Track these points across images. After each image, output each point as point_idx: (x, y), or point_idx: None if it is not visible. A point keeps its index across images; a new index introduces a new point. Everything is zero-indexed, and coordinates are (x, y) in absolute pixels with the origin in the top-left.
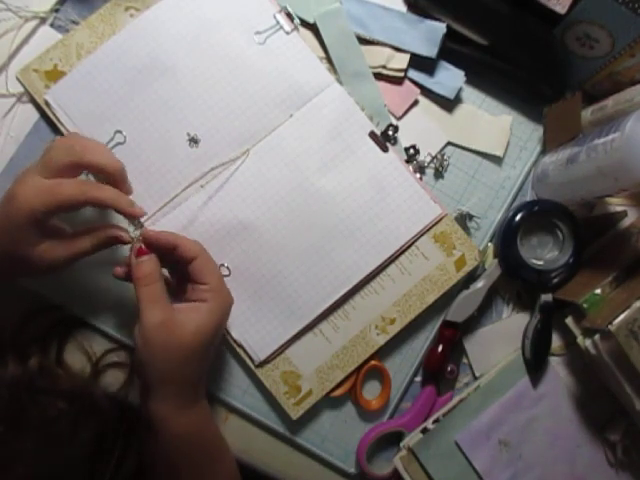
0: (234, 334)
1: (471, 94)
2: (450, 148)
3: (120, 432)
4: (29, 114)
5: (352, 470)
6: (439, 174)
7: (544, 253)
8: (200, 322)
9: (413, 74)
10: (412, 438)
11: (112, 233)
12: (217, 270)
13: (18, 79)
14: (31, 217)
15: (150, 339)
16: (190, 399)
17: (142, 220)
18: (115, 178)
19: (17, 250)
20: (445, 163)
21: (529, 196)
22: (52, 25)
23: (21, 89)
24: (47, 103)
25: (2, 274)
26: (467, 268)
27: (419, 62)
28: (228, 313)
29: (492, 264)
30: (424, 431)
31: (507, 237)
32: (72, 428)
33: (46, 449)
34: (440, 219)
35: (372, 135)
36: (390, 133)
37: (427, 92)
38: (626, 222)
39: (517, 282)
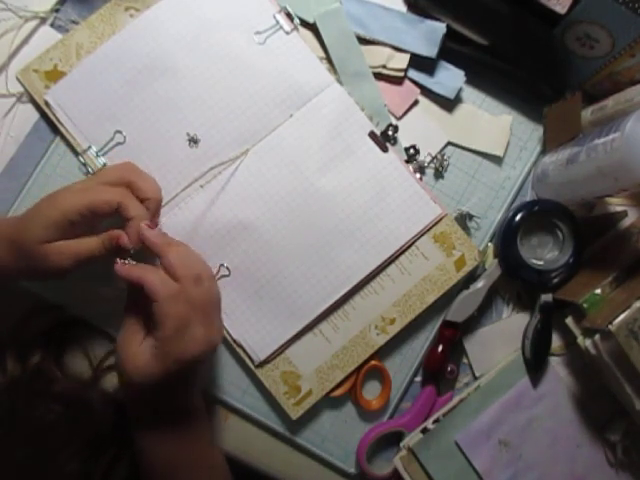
0: (234, 334)
1: (471, 94)
2: (450, 148)
3: (115, 436)
4: (29, 114)
5: (352, 470)
6: (439, 174)
7: (544, 253)
8: (143, 362)
9: (413, 74)
10: (412, 438)
11: (114, 233)
12: (176, 316)
13: (18, 79)
14: (62, 214)
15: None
16: (161, 428)
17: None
18: (150, 205)
19: (26, 241)
20: (445, 163)
21: (529, 196)
22: (52, 25)
23: (21, 89)
24: (47, 103)
25: (6, 267)
26: (467, 268)
27: (419, 62)
28: (182, 362)
29: (492, 264)
30: (424, 431)
31: (507, 237)
32: (67, 432)
33: (40, 451)
34: (440, 219)
35: (372, 135)
36: (390, 133)
37: (427, 92)
38: (626, 222)
39: (517, 282)
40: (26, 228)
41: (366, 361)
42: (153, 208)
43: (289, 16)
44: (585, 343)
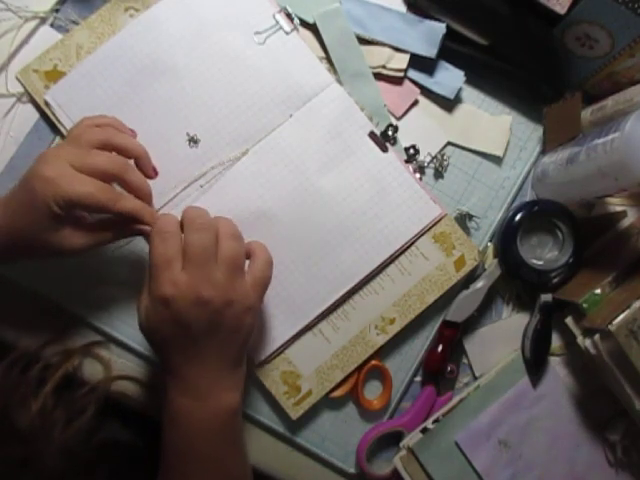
0: None
1: (471, 94)
2: (450, 148)
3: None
4: (29, 114)
5: (352, 470)
6: (439, 174)
7: (544, 253)
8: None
9: (413, 74)
10: (412, 438)
11: (136, 228)
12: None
13: (18, 79)
14: (53, 204)
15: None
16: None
17: None
18: (139, 162)
19: (36, 234)
20: (445, 163)
21: (529, 196)
22: (52, 25)
23: (21, 89)
24: (47, 103)
25: (20, 254)
26: (467, 268)
27: (419, 62)
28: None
29: (492, 264)
30: (424, 431)
31: (507, 237)
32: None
33: None
34: (440, 219)
35: (372, 135)
36: (390, 133)
37: (427, 92)
38: (626, 222)
39: (517, 282)
40: (38, 222)
41: (366, 361)
42: (143, 162)
43: (289, 16)
44: (585, 343)
